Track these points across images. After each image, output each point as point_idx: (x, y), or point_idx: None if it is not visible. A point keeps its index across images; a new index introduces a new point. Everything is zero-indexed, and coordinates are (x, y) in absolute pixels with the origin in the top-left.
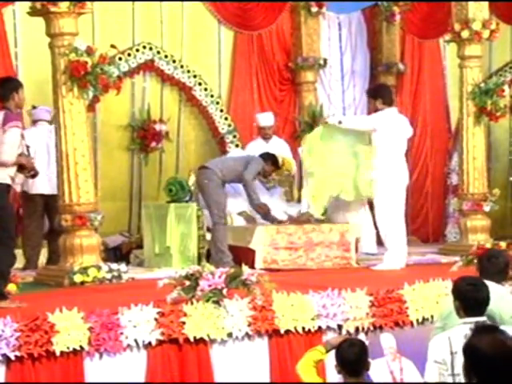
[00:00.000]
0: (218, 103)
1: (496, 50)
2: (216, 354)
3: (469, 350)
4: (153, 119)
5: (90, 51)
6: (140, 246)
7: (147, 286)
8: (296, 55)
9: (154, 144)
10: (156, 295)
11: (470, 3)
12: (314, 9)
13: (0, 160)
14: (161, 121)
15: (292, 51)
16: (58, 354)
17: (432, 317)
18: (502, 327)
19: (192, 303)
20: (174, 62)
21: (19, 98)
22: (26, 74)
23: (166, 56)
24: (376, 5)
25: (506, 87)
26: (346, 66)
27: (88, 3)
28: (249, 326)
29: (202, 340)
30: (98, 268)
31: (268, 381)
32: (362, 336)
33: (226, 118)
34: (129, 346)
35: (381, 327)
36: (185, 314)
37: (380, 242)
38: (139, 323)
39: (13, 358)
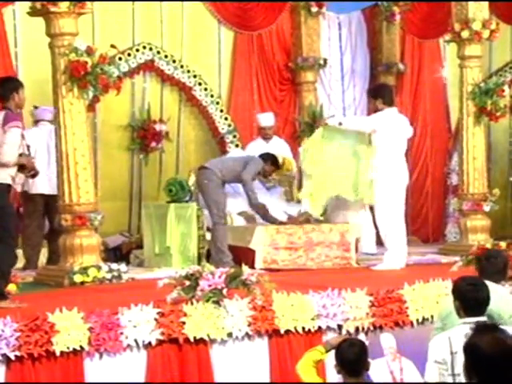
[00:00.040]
0: (218, 103)
1: (496, 50)
2: (216, 354)
3: (469, 348)
4: (153, 119)
5: (90, 51)
6: (140, 246)
7: (147, 286)
8: (296, 55)
9: (153, 144)
10: (156, 295)
11: (470, 3)
12: (314, 9)
13: (1, 161)
14: (161, 121)
15: (292, 51)
16: (58, 353)
17: (432, 317)
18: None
19: (192, 303)
20: (174, 61)
21: (19, 97)
22: (26, 74)
23: (165, 56)
24: (376, 5)
25: (506, 87)
26: (346, 65)
27: (88, 3)
28: (249, 326)
29: (202, 340)
30: (98, 268)
31: (268, 381)
32: (362, 336)
33: (226, 118)
34: (129, 346)
35: (381, 327)
36: (185, 314)
37: (380, 242)
38: (139, 323)
39: (13, 358)
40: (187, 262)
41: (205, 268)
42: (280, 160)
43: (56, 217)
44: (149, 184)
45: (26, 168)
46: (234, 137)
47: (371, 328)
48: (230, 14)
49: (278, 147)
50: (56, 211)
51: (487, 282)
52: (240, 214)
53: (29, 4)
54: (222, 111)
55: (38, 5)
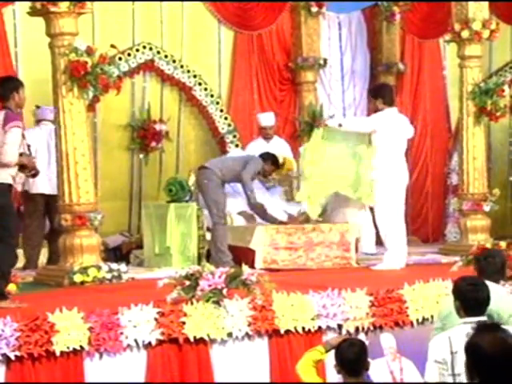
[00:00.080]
0: (218, 103)
1: (496, 50)
2: (216, 354)
3: (471, 348)
4: (153, 119)
5: (90, 51)
6: (140, 246)
7: (147, 286)
8: (296, 55)
9: (153, 144)
10: (156, 295)
11: (470, 3)
12: (314, 9)
13: (3, 161)
14: (161, 121)
15: (292, 51)
16: (58, 354)
17: (432, 317)
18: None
19: (192, 303)
20: (174, 61)
21: (19, 97)
22: (25, 74)
23: (166, 56)
24: (376, 5)
25: (506, 87)
26: (346, 65)
27: (88, 3)
28: (249, 326)
29: (202, 340)
30: (98, 268)
31: (268, 381)
32: (362, 336)
33: (225, 118)
34: (129, 346)
35: (381, 327)
36: (185, 314)
37: (379, 242)
38: (139, 323)
39: (13, 357)
40: (187, 262)
41: (205, 268)
42: (280, 160)
43: (56, 217)
44: (149, 184)
45: (26, 168)
46: (234, 137)
47: (371, 328)
48: (230, 14)
49: (279, 147)
50: (56, 211)
51: (486, 282)
52: (240, 213)
53: (29, 4)
54: (222, 111)
55: (38, 5)
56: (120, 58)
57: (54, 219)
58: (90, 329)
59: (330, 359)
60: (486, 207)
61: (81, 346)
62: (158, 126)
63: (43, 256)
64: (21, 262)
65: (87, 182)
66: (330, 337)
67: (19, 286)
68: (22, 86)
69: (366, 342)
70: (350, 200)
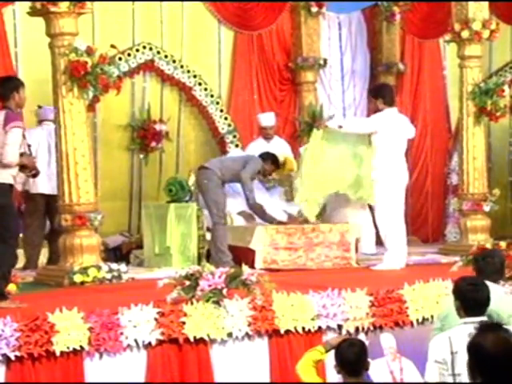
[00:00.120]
0: (218, 103)
1: (496, 50)
2: (216, 354)
3: (473, 348)
4: (153, 119)
5: (90, 51)
6: (140, 246)
7: (147, 286)
8: (296, 55)
9: (154, 144)
10: (156, 295)
11: (470, 3)
12: (314, 9)
13: (4, 161)
14: (161, 121)
15: (292, 51)
16: (58, 354)
17: (432, 317)
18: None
19: (192, 303)
20: (174, 62)
21: (20, 97)
22: (25, 74)
23: (165, 56)
24: (376, 5)
25: (506, 87)
26: (346, 66)
27: (88, 3)
28: (249, 326)
29: (202, 340)
30: (98, 268)
31: (268, 381)
32: (362, 336)
33: (225, 118)
34: (129, 345)
35: (381, 327)
36: (185, 314)
37: (379, 242)
38: (139, 323)
39: (13, 358)
40: (187, 262)
41: (205, 268)
42: (280, 159)
43: (56, 217)
44: (149, 184)
45: (27, 168)
46: (234, 137)
47: (371, 328)
48: (230, 14)
49: (279, 147)
50: (56, 211)
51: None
52: (239, 213)
53: (29, 4)
54: (222, 111)
55: (38, 5)
56: (120, 58)
57: (54, 219)
58: (90, 329)
59: (330, 359)
60: (486, 207)
61: (81, 346)
62: (158, 126)
63: (43, 256)
64: (21, 262)
65: (87, 182)
66: (330, 337)
67: (19, 286)
68: (22, 85)
69: (366, 342)
70: (350, 200)
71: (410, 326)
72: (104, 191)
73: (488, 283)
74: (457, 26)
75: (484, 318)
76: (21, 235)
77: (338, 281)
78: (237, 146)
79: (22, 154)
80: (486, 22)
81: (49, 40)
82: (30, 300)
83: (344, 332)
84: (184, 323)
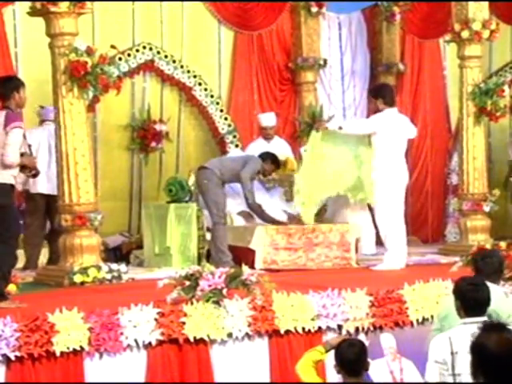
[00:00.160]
0: (218, 103)
1: (496, 50)
2: (216, 354)
3: (476, 348)
4: (153, 119)
5: (90, 51)
6: (140, 246)
7: (147, 286)
8: (296, 55)
9: (153, 144)
10: (156, 295)
11: (470, 3)
12: (314, 9)
13: (6, 162)
14: (161, 121)
15: (292, 51)
16: (58, 354)
17: (432, 317)
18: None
19: (192, 303)
20: (174, 62)
21: (20, 97)
22: (25, 74)
23: (165, 56)
24: (376, 5)
25: (506, 87)
26: (346, 66)
27: (88, 3)
28: (249, 326)
29: (202, 340)
30: (98, 268)
31: (268, 381)
32: (362, 336)
33: (225, 118)
34: (129, 345)
35: (381, 327)
36: (185, 314)
37: (379, 242)
38: (139, 323)
39: (13, 358)
40: (187, 262)
41: (205, 268)
42: (281, 159)
43: (56, 217)
44: (149, 184)
45: (27, 168)
46: (234, 137)
47: (371, 328)
48: (230, 14)
49: (280, 147)
50: (56, 211)
51: None
52: (239, 213)
53: (29, 4)
54: (222, 111)
55: (38, 5)
56: (120, 58)
57: (54, 219)
58: (90, 329)
59: (330, 359)
60: (486, 207)
61: (81, 346)
62: (158, 127)
63: (43, 256)
64: (21, 262)
65: (87, 182)
66: (330, 337)
67: (19, 286)
68: (22, 85)
69: (366, 342)
70: (350, 201)
71: (410, 326)
72: (104, 191)
73: (487, 283)
74: (457, 26)
75: (484, 318)
76: (21, 235)
77: (338, 281)
78: (237, 146)
79: (22, 154)
80: (485, 22)
81: (49, 40)
82: (30, 300)
83: (344, 332)
84: (184, 323)
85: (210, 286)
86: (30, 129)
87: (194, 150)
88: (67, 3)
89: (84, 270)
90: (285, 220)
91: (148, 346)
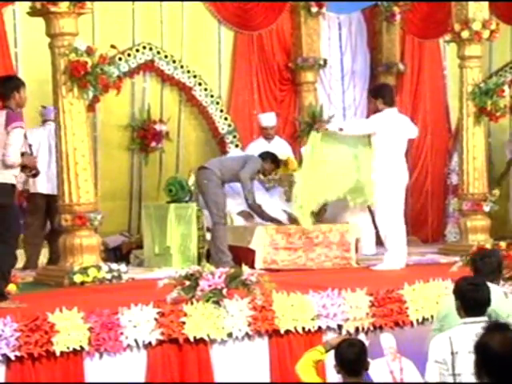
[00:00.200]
0: (218, 103)
1: (496, 50)
2: (216, 354)
3: (480, 347)
4: (153, 119)
5: (90, 51)
6: (140, 246)
7: (147, 286)
8: (296, 55)
9: (154, 144)
10: (156, 295)
11: (470, 3)
12: (314, 9)
13: (7, 162)
14: (161, 121)
15: (292, 51)
16: (58, 354)
17: (432, 317)
18: None
19: (192, 303)
20: (174, 62)
21: (20, 96)
22: (26, 74)
23: (165, 56)
24: (376, 5)
25: (506, 87)
26: (346, 66)
27: (88, 3)
28: (249, 326)
29: (202, 340)
30: (98, 268)
31: (268, 381)
32: (362, 336)
33: (225, 118)
34: (129, 345)
35: (381, 327)
36: (185, 314)
37: (379, 242)
38: (139, 323)
39: (13, 358)
40: (187, 262)
41: (205, 268)
42: (280, 158)
43: (56, 217)
44: (149, 184)
45: (27, 168)
46: (234, 137)
47: (371, 328)
48: (230, 14)
49: (280, 147)
50: (56, 211)
51: None
52: (239, 213)
53: (29, 4)
54: (222, 111)
55: (38, 5)
56: (120, 58)
57: (54, 219)
58: (90, 329)
59: (330, 359)
60: (486, 207)
61: (81, 346)
62: (158, 127)
63: (43, 256)
64: (21, 262)
65: (87, 182)
66: (330, 337)
67: (19, 286)
68: (23, 85)
69: (366, 342)
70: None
71: (410, 326)
72: (104, 191)
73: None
74: (457, 26)
75: (485, 318)
76: (21, 235)
77: (338, 281)
78: (237, 146)
79: (22, 154)
80: (486, 22)
81: (49, 40)
82: (30, 300)
83: (344, 332)
84: (184, 323)
85: (209, 285)
86: (30, 128)
87: (194, 150)
88: (67, 3)
89: (84, 270)
90: (285, 219)
91: (148, 345)
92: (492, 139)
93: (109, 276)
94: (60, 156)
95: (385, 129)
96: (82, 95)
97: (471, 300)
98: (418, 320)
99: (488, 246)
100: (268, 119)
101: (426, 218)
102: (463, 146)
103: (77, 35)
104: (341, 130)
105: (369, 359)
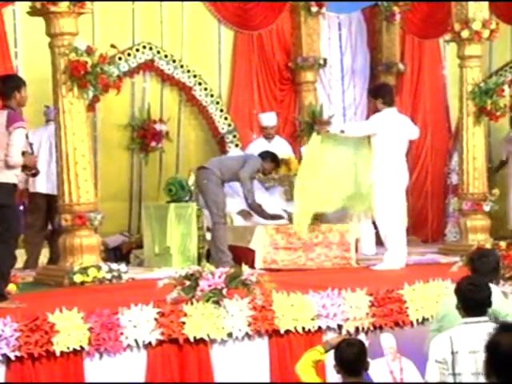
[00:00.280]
0: (218, 103)
1: (496, 50)
2: (216, 354)
3: (490, 347)
4: (153, 119)
5: (89, 51)
6: (140, 246)
7: (147, 286)
8: (296, 55)
9: (153, 144)
10: (156, 295)
11: (470, 3)
12: (314, 9)
13: (10, 163)
14: (161, 121)
15: (292, 51)
16: (58, 354)
17: (432, 317)
18: None
19: (192, 303)
20: (174, 61)
21: (21, 96)
22: (26, 74)
23: (165, 56)
24: (376, 5)
25: (505, 87)
26: (346, 65)
27: (88, 3)
28: (249, 326)
29: (202, 340)
30: (98, 268)
31: (268, 381)
32: (362, 336)
33: (225, 118)
34: (129, 345)
35: (381, 327)
36: (185, 314)
37: (379, 242)
38: (139, 323)
39: (13, 358)
40: (187, 262)
41: (205, 268)
42: (280, 158)
43: (56, 217)
44: (149, 184)
45: (27, 167)
46: (234, 137)
47: (371, 328)
48: (230, 14)
49: (280, 147)
50: (56, 211)
51: None
52: (239, 212)
53: (29, 4)
54: (222, 111)
55: (38, 5)
56: (120, 58)
57: (54, 219)
58: (90, 329)
59: (330, 359)
60: (486, 207)
61: (81, 346)
62: (158, 126)
63: (43, 256)
64: (21, 262)
65: (87, 182)
66: (330, 337)
67: (19, 286)
68: (23, 84)
69: (366, 342)
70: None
71: (410, 326)
72: (104, 191)
73: None
74: (457, 26)
75: (485, 318)
76: (21, 235)
77: (338, 281)
78: (237, 145)
79: (23, 153)
80: (486, 22)
81: (49, 40)
82: (30, 300)
83: (344, 332)
84: (184, 323)
85: (209, 285)
86: (33, 131)
87: (194, 150)
88: (67, 3)
89: (84, 270)
90: (285, 219)
91: (148, 345)
92: (492, 139)
93: (109, 276)
94: (60, 156)
95: (385, 129)
96: (82, 95)
97: (471, 300)
98: (417, 320)
99: (488, 245)
100: (268, 119)
101: (426, 218)
102: (463, 145)
103: (77, 35)
104: (342, 131)
105: (369, 359)
